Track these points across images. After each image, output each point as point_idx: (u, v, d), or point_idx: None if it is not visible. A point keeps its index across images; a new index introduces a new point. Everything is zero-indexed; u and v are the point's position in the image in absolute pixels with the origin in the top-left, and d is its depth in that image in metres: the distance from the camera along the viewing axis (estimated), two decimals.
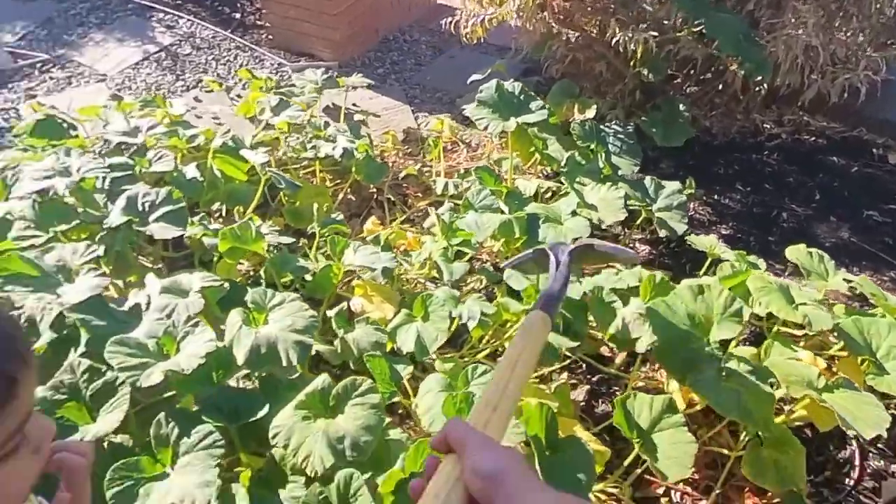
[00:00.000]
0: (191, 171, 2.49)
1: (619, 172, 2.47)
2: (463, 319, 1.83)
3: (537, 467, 1.46)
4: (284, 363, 1.63)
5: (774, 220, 2.64)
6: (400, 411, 1.90)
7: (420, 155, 3.02)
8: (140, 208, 2.13)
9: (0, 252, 1.80)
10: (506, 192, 2.37)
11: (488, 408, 0.72)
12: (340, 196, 2.70)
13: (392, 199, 2.71)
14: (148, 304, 1.83)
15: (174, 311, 1.79)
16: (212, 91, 3.46)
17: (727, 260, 2.03)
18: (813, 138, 3.04)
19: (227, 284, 1.94)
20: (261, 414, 1.57)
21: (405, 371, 1.74)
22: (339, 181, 2.79)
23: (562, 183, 2.56)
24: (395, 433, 1.62)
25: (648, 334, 1.71)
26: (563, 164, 2.49)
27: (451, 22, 2.84)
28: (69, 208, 2.11)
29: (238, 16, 4.18)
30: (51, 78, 3.58)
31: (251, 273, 2.36)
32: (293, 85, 2.97)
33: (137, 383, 1.51)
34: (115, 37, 3.93)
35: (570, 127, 2.58)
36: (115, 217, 2.06)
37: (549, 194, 2.59)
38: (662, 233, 2.31)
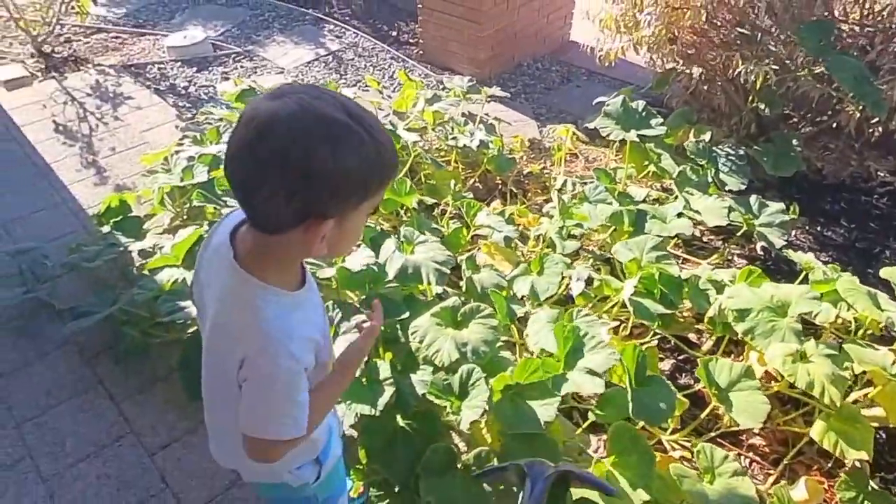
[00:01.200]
0: None
1: (726, 189, 2.70)
2: (573, 280, 2.15)
3: (629, 396, 1.73)
4: (425, 283, 2.02)
5: (876, 255, 2.76)
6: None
7: (541, 160, 3.40)
8: None
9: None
10: (618, 191, 2.69)
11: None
12: (469, 182, 3.12)
13: (514, 190, 3.09)
14: None
15: None
16: (368, 90, 4.04)
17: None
18: None
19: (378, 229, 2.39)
20: (403, 317, 1.96)
21: (520, 311, 2.08)
22: (469, 170, 3.21)
23: (670, 193, 2.84)
24: (505, 354, 1.96)
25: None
26: (674, 175, 2.77)
27: (587, 47, 3.21)
28: None
29: (394, 33, 4.81)
30: (241, 67, 4.31)
31: (392, 230, 2.80)
32: (444, 88, 3.45)
33: (316, 274, 1.96)
34: (292, 40, 4.66)
35: (685, 146, 2.85)
36: None
37: (657, 202, 2.87)
38: (760, 246, 2.51)
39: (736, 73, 2.76)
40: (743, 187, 2.72)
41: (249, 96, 3.18)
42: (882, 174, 3.16)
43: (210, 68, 4.27)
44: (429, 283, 2.00)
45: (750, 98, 3.02)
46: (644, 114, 2.85)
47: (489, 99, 3.55)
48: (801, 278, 2.39)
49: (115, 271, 2.47)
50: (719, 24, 2.71)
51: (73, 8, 4.35)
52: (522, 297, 2.12)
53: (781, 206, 2.58)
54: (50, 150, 3.34)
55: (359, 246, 2.11)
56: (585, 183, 2.91)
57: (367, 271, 2.00)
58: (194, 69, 4.25)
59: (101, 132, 3.51)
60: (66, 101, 3.79)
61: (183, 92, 3.99)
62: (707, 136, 3.02)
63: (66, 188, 3.07)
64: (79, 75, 4.10)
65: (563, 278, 2.14)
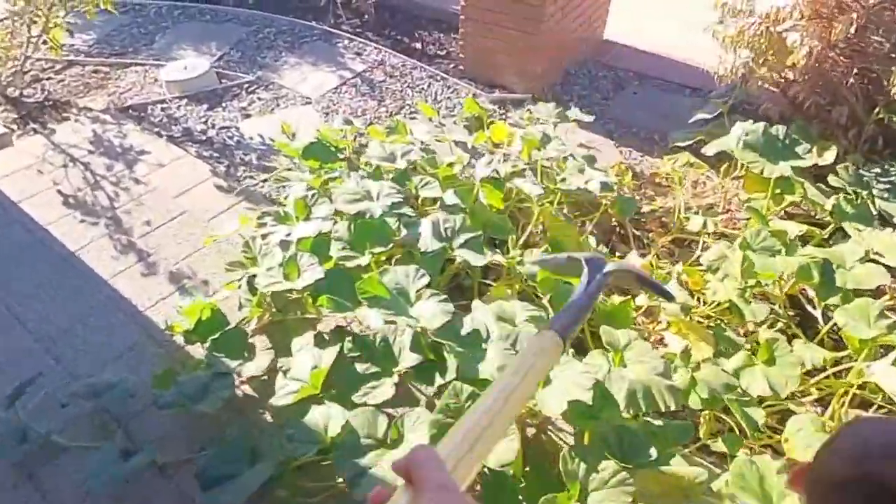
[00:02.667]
0: (450, 197, 2.57)
1: (894, 220, 2.46)
2: (808, 364, 1.84)
3: None
4: (662, 408, 1.64)
5: None
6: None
7: (642, 187, 3.06)
8: (443, 234, 2.21)
9: (363, 276, 1.87)
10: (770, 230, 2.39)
11: (465, 443, 0.61)
12: (581, 226, 2.75)
13: (635, 232, 2.75)
14: (487, 332, 1.88)
15: (516, 340, 1.85)
16: (416, 118, 3.57)
17: None
18: None
19: (542, 313, 1.99)
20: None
21: (759, 416, 1.75)
22: (577, 212, 2.83)
23: (818, 226, 2.57)
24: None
25: None
26: (826, 206, 2.50)
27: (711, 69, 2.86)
28: (381, 230, 2.19)
29: (419, 45, 4.31)
30: (259, 99, 3.73)
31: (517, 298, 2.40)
32: (504, 111, 3.04)
33: None
34: (307, 61, 4.09)
35: (828, 170, 2.58)
36: (429, 242, 2.13)
37: (803, 239, 2.59)
38: None
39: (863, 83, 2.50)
40: None
41: (320, 152, 2.67)
42: None
43: (223, 104, 3.67)
44: (667, 407, 1.63)
45: (876, 110, 2.78)
46: (787, 141, 2.55)
47: (560, 120, 3.16)
48: None
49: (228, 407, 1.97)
50: (874, 30, 2.43)
51: (43, 41, 3.62)
52: (757, 396, 1.79)
53: None
54: (68, 231, 2.73)
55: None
56: (720, 219, 2.61)
57: (578, 405, 1.62)
58: (204, 106, 3.64)
59: (125, 201, 2.90)
60: (65, 164, 3.13)
61: (203, 138, 3.39)
62: (832, 155, 2.76)
63: (106, 284, 2.49)
64: (68, 126, 3.43)
65: (801, 367, 1.83)
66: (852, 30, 2.38)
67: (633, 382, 1.67)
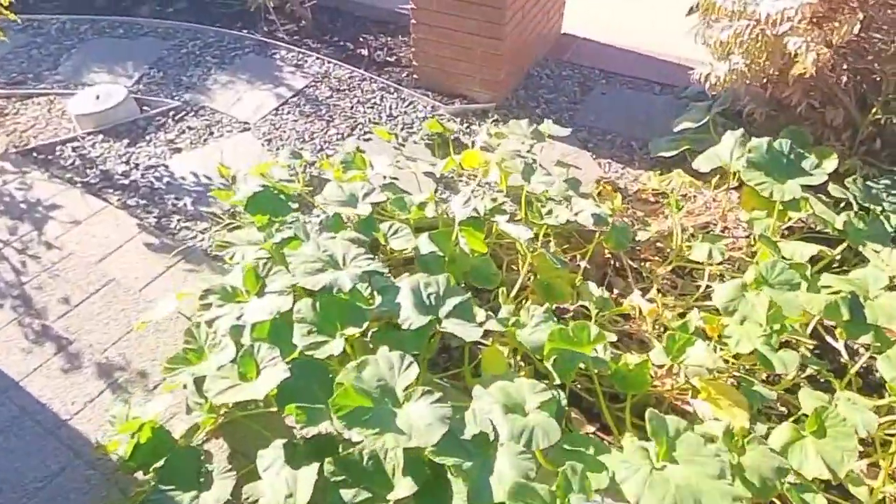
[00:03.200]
0: (425, 244, 2.24)
1: None
2: (862, 432, 1.60)
3: None
4: None
5: None
6: None
7: (629, 210, 2.79)
8: (426, 301, 1.87)
9: (337, 386, 1.51)
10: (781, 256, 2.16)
11: None
12: (569, 260, 2.46)
13: (631, 264, 2.48)
14: (495, 432, 1.57)
15: (531, 438, 1.55)
16: (370, 139, 3.20)
17: None
18: None
19: (555, 393, 1.70)
20: None
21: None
22: (565, 246, 2.54)
23: (826, 241, 2.36)
24: None
25: None
26: (837, 225, 2.29)
27: (699, 75, 2.58)
28: (353, 306, 1.83)
29: (364, 52, 3.90)
30: (189, 128, 3.26)
31: (518, 367, 2.10)
32: (468, 127, 2.71)
33: None
34: (240, 78, 3.63)
35: (829, 179, 2.37)
36: (413, 316, 1.79)
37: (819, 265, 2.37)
38: None
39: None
40: None
41: (268, 203, 2.27)
42: None
43: (147, 137, 3.19)
44: None
45: (873, 111, 2.58)
46: (791, 155, 2.32)
47: (536, 139, 2.85)
48: None
49: None
50: (877, 28, 2.21)
51: None
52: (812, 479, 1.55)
53: None
54: None
55: None
56: (724, 245, 2.36)
57: None
58: (124, 142, 3.15)
59: (35, 273, 2.43)
60: None
61: (125, 182, 2.91)
62: (833, 163, 2.55)
63: (17, 387, 2.05)
64: None
65: (854, 438, 1.59)
66: (856, 29, 2.15)
67: (681, 489, 1.39)
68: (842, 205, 2.54)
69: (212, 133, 3.24)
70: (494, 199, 2.43)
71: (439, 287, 1.91)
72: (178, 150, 3.11)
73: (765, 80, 2.79)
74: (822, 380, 2.05)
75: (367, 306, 1.88)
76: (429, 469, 1.53)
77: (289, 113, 3.38)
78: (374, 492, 1.49)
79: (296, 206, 2.35)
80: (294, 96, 3.49)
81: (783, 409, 1.98)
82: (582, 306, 2.25)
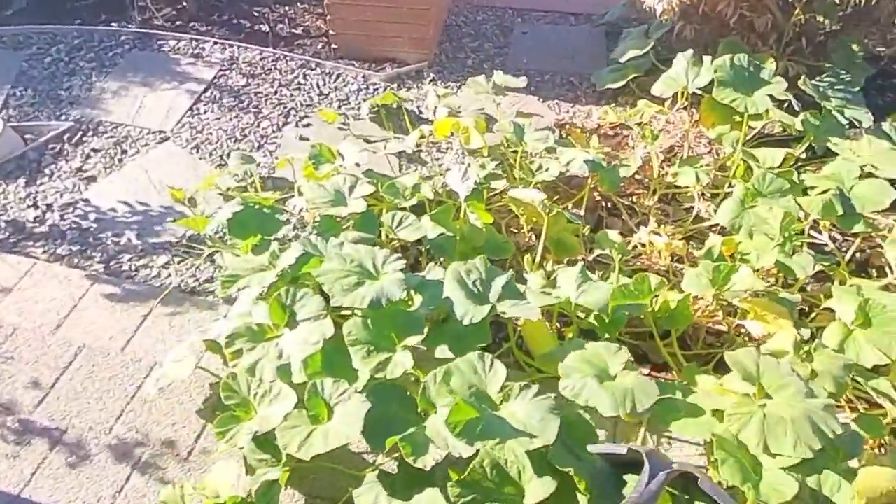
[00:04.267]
0: (428, 227, 2.13)
1: (864, 126, 2.47)
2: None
3: None
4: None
5: None
6: None
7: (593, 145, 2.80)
8: (473, 289, 1.78)
9: (428, 403, 1.40)
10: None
11: None
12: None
13: (623, 203, 2.52)
14: None
15: (634, 402, 1.55)
16: (310, 124, 2.94)
17: None
18: None
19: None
20: None
21: (887, 386, 1.66)
22: (556, 197, 2.52)
23: (786, 145, 2.52)
24: None
25: None
26: (796, 125, 2.45)
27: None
28: (402, 313, 1.70)
29: (265, 28, 3.52)
30: (94, 151, 2.80)
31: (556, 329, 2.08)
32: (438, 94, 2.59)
33: None
34: (133, 81, 3.15)
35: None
36: (470, 309, 1.70)
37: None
38: None
39: None
40: (872, 119, 2.50)
41: (255, 222, 2.02)
42: None
43: (46, 170, 2.71)
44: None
45: (796, 13, 2.74)
46: (751, 68, 2.41)
47: (497, 93, 2.77)
48: None
49: None
50: None
51: None
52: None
53: None
54: None
55: None
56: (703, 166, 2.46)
57: None
58: (20, 182, 2.66)
59: None
60: None
61: (43, 229, 2.47)
62: (772, 67, 2.70)
63: (18, 499, 1.72)
64: None
65: None
66: None
67: (793, 421, 1.45)
68: (785, 106, 2.72)
69: (125, 151, 2.81)
70: (483, 166, 2.34)
71: (481, 271, 1.82)
72: (93, 179, 2.68)
73: None
74: (822, 273, 2.22)
75: (407, 308, 1.76)
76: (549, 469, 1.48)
77: (207, 111, 3.00)
78: (507, 502, 1.43)
79: (284, 217, 2.11)
80: (206, 91, 3.10)
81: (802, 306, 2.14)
82: (597, 257, 2.26)
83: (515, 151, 2.42)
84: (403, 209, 2.18)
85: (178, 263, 2.33)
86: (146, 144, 2.84)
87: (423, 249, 2.24)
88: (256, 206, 2.05)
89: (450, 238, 2.13)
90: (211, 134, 2.88)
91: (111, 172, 2.71)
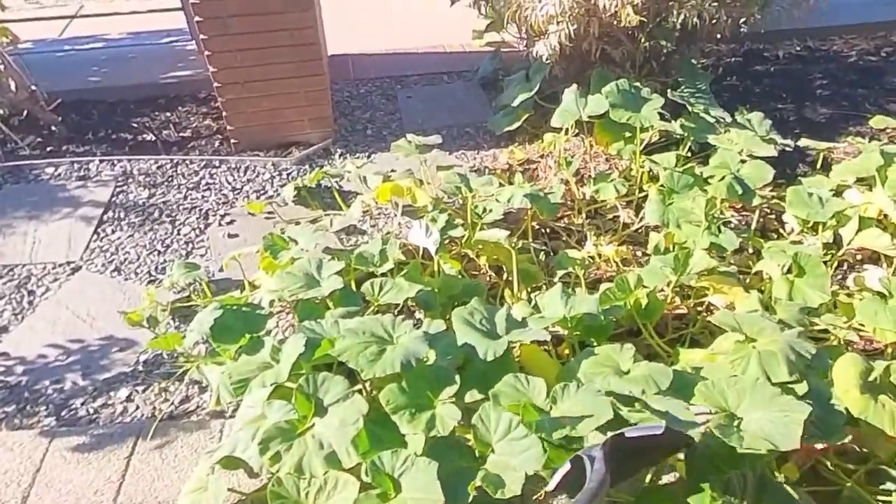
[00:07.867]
0: (406, 287, 2.18)
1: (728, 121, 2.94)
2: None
3: None
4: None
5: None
6: None
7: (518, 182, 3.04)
8: (483, 328, 1.85)
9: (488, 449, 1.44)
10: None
11: None
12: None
13: (557, 229, 2.75)
14: None
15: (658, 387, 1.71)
16: (233, 221, 2.86)
17: None
18: None
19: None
20: None
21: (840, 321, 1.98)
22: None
23: (669, 148, 2.92)
24: None
25: None
26: (676, 131, 2.86)
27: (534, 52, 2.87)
28: (432, 368, 1.72)
29: (149, 136, 3.38)
30: (13, 300, 2.48)
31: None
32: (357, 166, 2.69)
33: None
34: (16, 216, 2.86)
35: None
36: (493, 345, 1.76)
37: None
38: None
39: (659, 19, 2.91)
40: (728, 115, 2.99)
41: (237, 323, 1.93)
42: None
43: None
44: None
45: (641, 40, 3.24)
46: (633, 90, 2.80)
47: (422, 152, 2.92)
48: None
49: None
50: None
51: None
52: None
53: (759, 114, 2.95)
54: None
55: None
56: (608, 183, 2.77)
57: None
58: None
59: None
60: None
61: None
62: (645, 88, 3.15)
63: None
64: None
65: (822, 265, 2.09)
66: None
67: (781, 351, 1.70)
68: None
69: (32, 292, 2.52)
70: (434, 220, 2.44)
71: (482, 311, 1.90)
72: (5, 330, 2.37)
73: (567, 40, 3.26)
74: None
75: (427, 364, 1.78)
76: None
77: (116, 230, 2.80)
78: None
79: (266, 311, 2.03)
80: (107, 211, 2.90)
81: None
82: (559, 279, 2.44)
83: (465, 199, 2.56)
84: (376, 275, 2.21)
85: (143, 392, 2.12)
86: (55, 280, 2.58)
87: (401, 307, 2.27)
88: (235, 308, 1.96)
89: (430, 292, 2.19)
90: (128, 252, 2.69)
91: (24, 318, 2.42)
